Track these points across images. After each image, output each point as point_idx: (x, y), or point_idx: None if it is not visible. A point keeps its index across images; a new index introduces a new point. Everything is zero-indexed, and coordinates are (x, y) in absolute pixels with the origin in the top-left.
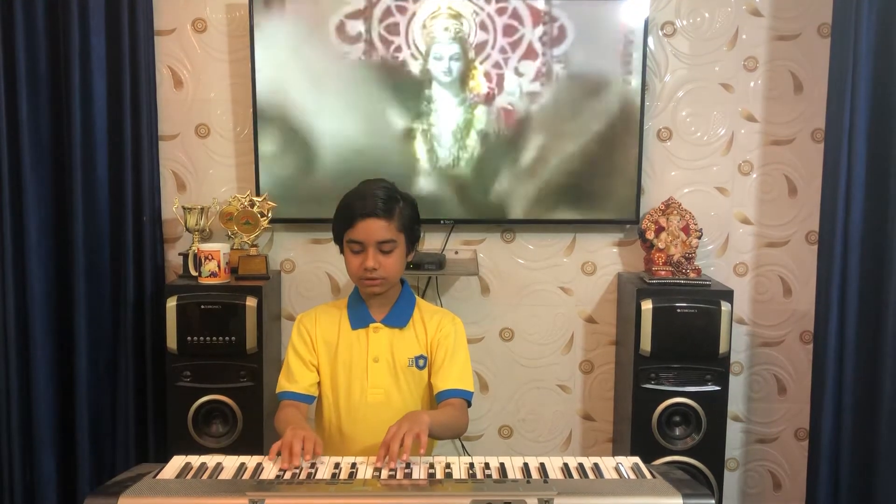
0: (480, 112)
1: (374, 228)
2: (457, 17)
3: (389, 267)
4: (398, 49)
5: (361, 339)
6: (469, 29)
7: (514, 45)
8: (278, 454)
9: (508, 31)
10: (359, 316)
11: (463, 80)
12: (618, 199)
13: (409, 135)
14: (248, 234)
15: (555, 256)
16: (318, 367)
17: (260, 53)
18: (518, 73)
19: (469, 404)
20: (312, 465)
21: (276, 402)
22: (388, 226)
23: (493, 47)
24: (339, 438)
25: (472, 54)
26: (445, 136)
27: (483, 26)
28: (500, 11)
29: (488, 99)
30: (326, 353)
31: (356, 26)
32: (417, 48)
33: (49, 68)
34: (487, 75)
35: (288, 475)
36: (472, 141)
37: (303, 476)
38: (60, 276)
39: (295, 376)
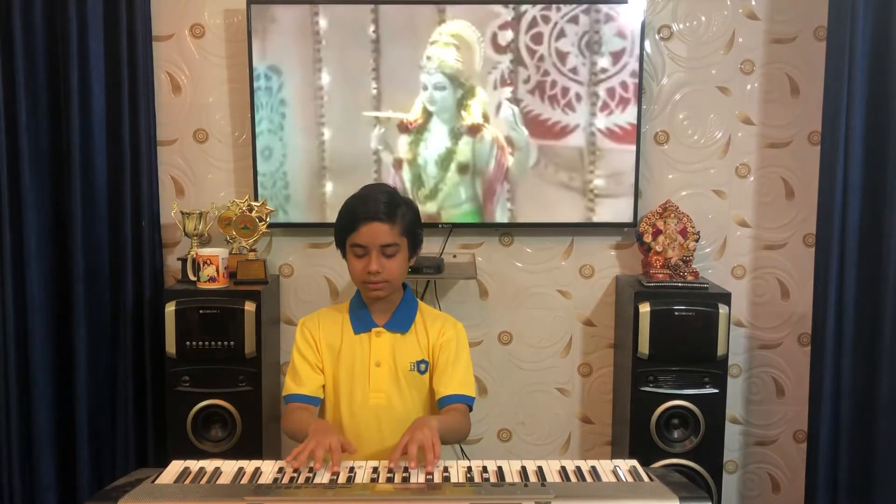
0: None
1: (378, 232)
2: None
3: (392, 271)
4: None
5: (364, 344)
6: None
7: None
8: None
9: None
10: (361, 320)
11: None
12: (615, 203)
13: (406, 136)
14: (247, 239)
15: (553, 260)
16: (322, 370)
17: (258, 58)
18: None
19: (470, 409)
20: (311, 469)
21: (276, 406)
22: (391, 230)
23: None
24: None
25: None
26: (447, 136)
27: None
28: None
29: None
30: (329, 356)
31: (357, 23)
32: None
33: (48, 74)
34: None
35: (286, 479)
36: (470, 142)
37: (301, 480)
38: (59, 281)
39: (302, 378)
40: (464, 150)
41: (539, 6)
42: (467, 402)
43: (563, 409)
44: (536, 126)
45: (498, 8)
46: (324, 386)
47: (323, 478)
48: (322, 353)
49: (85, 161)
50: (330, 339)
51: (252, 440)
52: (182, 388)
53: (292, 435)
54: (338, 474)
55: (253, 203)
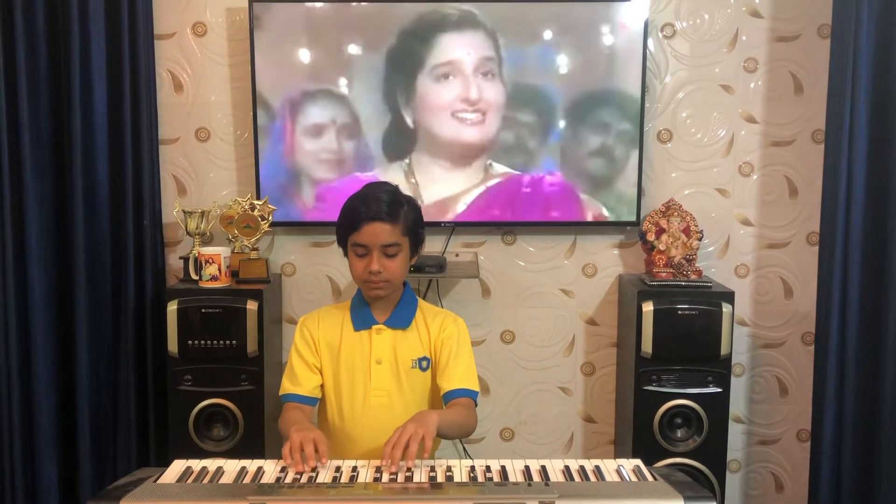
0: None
1: (379, 232)
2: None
3: (393, 270)
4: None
5: (364, 341)
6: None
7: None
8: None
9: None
10: (361, 318)
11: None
12: (618, 201)
13: (409, 132)
14: (249, 238)
15: (555, 258)
16: (320, 370)
17: (260, 56)
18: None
19: (475, 403)
20: (314, 469)
21: (277, 405)
22: (393, 229)
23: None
24: (342, 440)
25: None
26: (447, 134)
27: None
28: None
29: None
30: (329, 355)
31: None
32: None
33: (49, 72)
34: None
35: (289, 479)
36: (472, 139)
37: (304, 479)
38: (61, 280)
39: (298, 378)
40: None
41: None
42: (471, 395)
43: (566, 409)
44: None
45: None
46: (322, 385)
47: (325, 477)
48: (321, 353)
49: (86, 160)
50: (329, 338)
51: (254, 439)
52: (184, 388)
53: (284, 434)
54: (340, 473)
55: (255, 202)
